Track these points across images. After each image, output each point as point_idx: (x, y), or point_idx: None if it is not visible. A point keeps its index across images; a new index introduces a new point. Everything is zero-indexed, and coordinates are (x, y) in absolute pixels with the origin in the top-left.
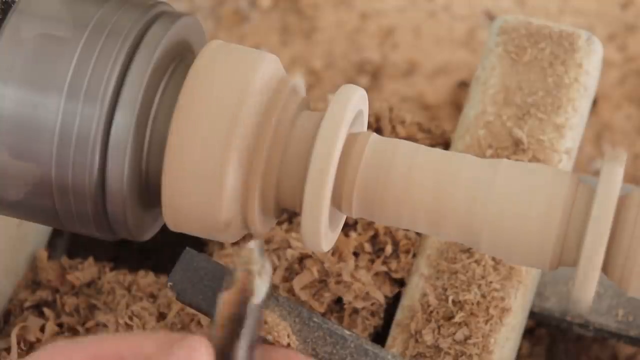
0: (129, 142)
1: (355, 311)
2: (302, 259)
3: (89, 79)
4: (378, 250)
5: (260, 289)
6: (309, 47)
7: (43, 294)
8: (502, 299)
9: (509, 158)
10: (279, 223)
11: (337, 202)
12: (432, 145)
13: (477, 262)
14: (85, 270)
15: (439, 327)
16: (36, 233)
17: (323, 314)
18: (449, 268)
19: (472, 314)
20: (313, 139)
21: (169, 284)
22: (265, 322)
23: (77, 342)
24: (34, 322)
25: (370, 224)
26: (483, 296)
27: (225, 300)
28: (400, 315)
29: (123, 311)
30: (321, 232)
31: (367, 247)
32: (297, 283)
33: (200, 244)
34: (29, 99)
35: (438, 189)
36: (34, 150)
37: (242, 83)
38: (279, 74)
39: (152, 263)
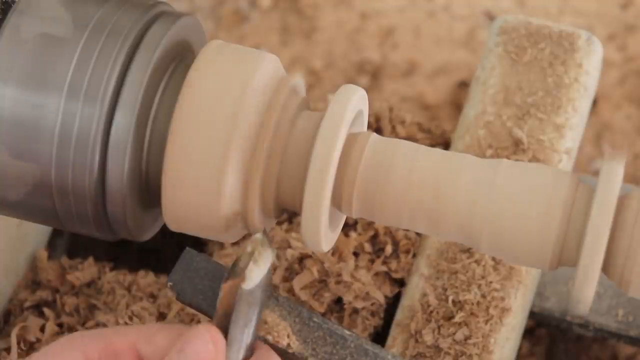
0: (129, 142)
1: (355, 311)
2: (302, 259)
3: (89, 79)
4: (378, 250)
5: (255, 274)
6: (309, 47)
7: (43, 294)
8: (502, 299)
9: (509, 158)
10: (279, 223)
11: (337, 202)
12: (432, 145)
13: (477, 262)
14: (85, 270)
15: (439, 327)
16: (36, 233)
17: (323, 314)
18: (449, 268)
19: (472, 314)
20: (313, 139)
21: (169, 284)
22: (265, 322)
23: (92, 334)
24: (34, 322)
25: (370, 224)
26: (483, 296)
27: (224, 289)
28: (400, 315)
29: (123, 311)
30: (321, 232)
31: (367, 247)
32: (297, 283)
33: (200, 244)
34: (29, 99)
35: (438, 189)
36: (33, 150)
37: (242, 83)
38: (279, 74)
39: (152, 263)
